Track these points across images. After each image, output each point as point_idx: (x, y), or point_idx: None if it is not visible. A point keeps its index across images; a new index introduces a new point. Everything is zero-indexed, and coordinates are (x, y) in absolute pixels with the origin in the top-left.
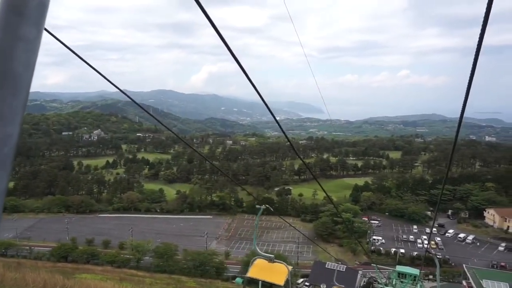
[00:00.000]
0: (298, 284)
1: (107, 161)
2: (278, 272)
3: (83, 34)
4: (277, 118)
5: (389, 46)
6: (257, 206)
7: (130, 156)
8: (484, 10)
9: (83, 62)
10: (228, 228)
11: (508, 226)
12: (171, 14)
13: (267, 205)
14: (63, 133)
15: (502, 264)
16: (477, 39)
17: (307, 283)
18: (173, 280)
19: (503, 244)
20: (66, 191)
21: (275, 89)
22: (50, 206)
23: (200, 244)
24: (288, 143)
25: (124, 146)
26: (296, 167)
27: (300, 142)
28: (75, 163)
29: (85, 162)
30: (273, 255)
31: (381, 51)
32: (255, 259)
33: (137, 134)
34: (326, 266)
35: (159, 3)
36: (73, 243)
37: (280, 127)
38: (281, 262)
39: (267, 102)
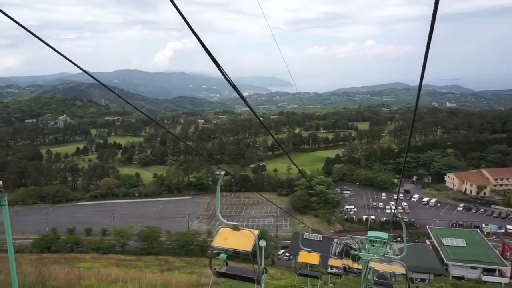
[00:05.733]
0: (279, 255)
1: (78, 148)
2: (245, 239)
3: (34, 13)
4: (246, 94)
5: (355, 16)
6: (216, 173)
7: (101, 141)
8: None
9: (38, 44)
10: (207, 207)
11: (466, 188)
12: None
13: (227, 171)
14: (26, 121)
15: (460, 222)
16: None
17: (287, 254)
18: (161, 261)
19: (461, 205)
20: (39, 182)
21: (243, 64)
22: (24, 198)
23: (182, 224)
24: (260, 119)
25: (93, 131)
26: (269, 143)
27: (272, 117)
28: (43, 151)
29: (54, 150)
30: (238, 223)
31: (347, 21)
32: (220, 228)
33: (106, 118)
34: (304, 237)
35: None
36: (54, 233)
37: (249, 106)
38: (247, 228)
39: (235, 78)
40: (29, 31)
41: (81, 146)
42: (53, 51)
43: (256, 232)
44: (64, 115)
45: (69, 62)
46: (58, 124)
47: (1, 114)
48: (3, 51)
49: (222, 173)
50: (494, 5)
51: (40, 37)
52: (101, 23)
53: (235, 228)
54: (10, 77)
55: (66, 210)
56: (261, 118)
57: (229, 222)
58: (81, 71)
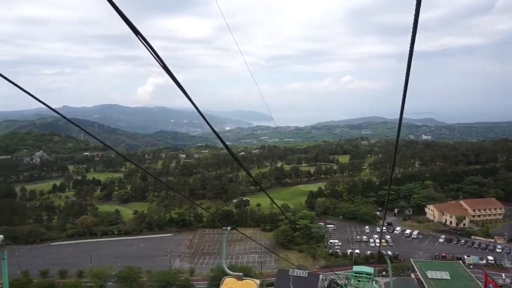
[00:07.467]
0: None
1: (54, 185)
2: None
3: (14, 48)
4: (228, 128)
5: (332, 53)
6: (223, 228)
7: (79, 178)
8: (413, 20)
9: (15, 78)
10: (190, 244)
11: (446, 220)
12: (114, 26)
13: (234, 227)
14: (0, 157)
15: (443, 254)
16: (409, 46)
17: None
18: None
19: (443, 236)
20: (11, 221)
21: (224, 99)
22: None
23: (164, 263)
24: (241, 153)
25: (71, 167)
26: None
27: (253, 151)
28: (17, 189)
29: (29, 187)
30: (241, 273)
31: (325, 58)
32: (224, 278)
33: (85, 154)
34: (289, 274)
35: (101, 15)
36: (26, 277)
37: (221, 140)
38: (250, 278)
39: (217, 112)
40: None
41: (57, 183)
42: (28, 86)
43: (258, 281)
44: (41, 151)
45: (49, 97)
46: (34, 160)
47: None
48: None
49: (228, 228)
50: (459, 44)
51: (18, 72)
52: (83, 59)
53: (239, 278)
54: None
55: (41, 251)
56: (242, 153)
57: (233, 273)
58: (60, 105)
